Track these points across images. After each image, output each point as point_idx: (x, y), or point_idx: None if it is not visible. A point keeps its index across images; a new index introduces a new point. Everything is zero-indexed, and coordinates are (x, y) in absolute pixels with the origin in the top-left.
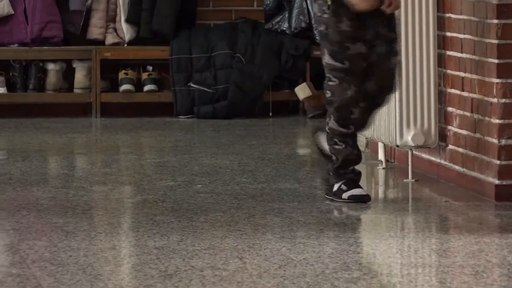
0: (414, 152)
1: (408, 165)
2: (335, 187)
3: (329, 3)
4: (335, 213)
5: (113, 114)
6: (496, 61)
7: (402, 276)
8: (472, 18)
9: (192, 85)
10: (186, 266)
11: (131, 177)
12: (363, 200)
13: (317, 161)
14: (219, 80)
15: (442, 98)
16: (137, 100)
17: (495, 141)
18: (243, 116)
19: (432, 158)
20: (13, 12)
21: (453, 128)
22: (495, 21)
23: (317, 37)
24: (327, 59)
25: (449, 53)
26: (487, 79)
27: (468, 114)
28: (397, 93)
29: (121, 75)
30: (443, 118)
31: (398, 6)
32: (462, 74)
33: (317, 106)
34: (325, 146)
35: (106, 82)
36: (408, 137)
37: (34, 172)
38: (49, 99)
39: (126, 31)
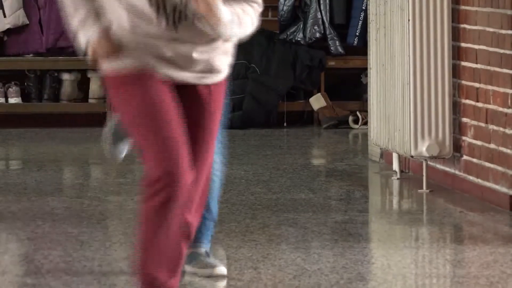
0: (428, 162)
1: (422, 175)
2: None
3: None
4: (350, 223)
5: None
6: (510, 71)
7: (417, 287)
8: (487, 28)
9: None
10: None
11: None
12: None
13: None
14: (234, 91)
15: (456, 109)
16: None
17: (509, 151)
18: (258, 126)
19: (447, 169)
20: (28, 22)
21: (467, 139)
22: (510, 31)
23: (331, 48)
24: None
25: (463, 63)
26: (501, 89)
27: (482, 124)
28: (411, 104)
29: None
30: (458, 128)
31: None
32: (476, 84)
33: (332, 116)
34: None
35: None
36: (423, 148)
37: (49, 182)
38: (64, 109)
39: None
